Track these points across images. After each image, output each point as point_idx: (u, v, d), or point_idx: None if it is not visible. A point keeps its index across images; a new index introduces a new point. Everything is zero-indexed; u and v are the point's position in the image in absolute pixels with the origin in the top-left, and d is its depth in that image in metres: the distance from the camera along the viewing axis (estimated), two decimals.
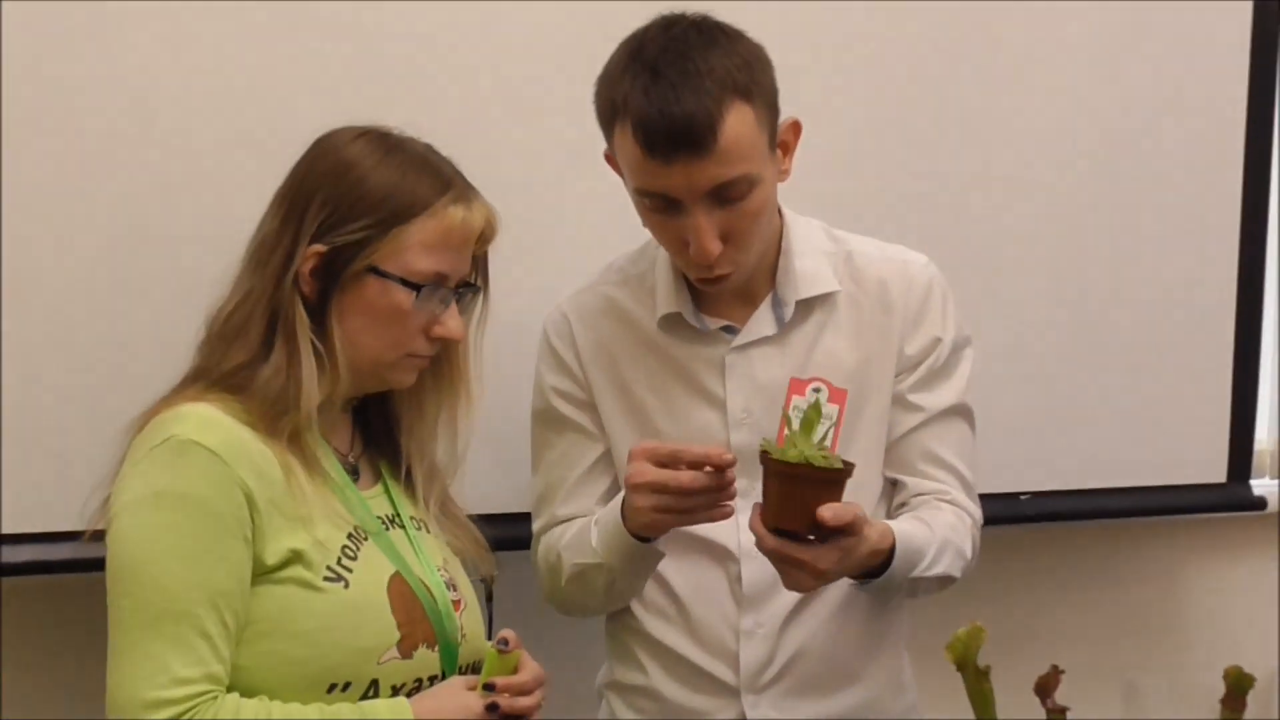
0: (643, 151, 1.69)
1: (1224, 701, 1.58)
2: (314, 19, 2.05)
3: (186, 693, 1.50)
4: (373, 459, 1.77)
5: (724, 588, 1.87)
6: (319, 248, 1.62)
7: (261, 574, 1.57)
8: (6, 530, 1.98)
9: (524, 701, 1.61)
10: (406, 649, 1.61)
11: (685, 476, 1.66)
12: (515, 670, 1.62)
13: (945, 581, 1.83)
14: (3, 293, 1.95)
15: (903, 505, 1.88)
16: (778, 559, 1.65)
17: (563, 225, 2.17)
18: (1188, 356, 2.53)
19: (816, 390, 1.62)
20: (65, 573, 1.98)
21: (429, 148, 1.70)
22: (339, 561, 1.60)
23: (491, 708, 1.59)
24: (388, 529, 1.69)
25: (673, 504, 1.68)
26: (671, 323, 1.88)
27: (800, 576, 1.65)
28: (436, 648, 1.65)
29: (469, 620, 1.71)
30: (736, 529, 1.82)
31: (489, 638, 1.70)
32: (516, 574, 1.93)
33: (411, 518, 1.74)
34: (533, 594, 1.95)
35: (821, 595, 1.86)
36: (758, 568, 1.82)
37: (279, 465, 1.59)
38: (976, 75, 2.37)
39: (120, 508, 1.56)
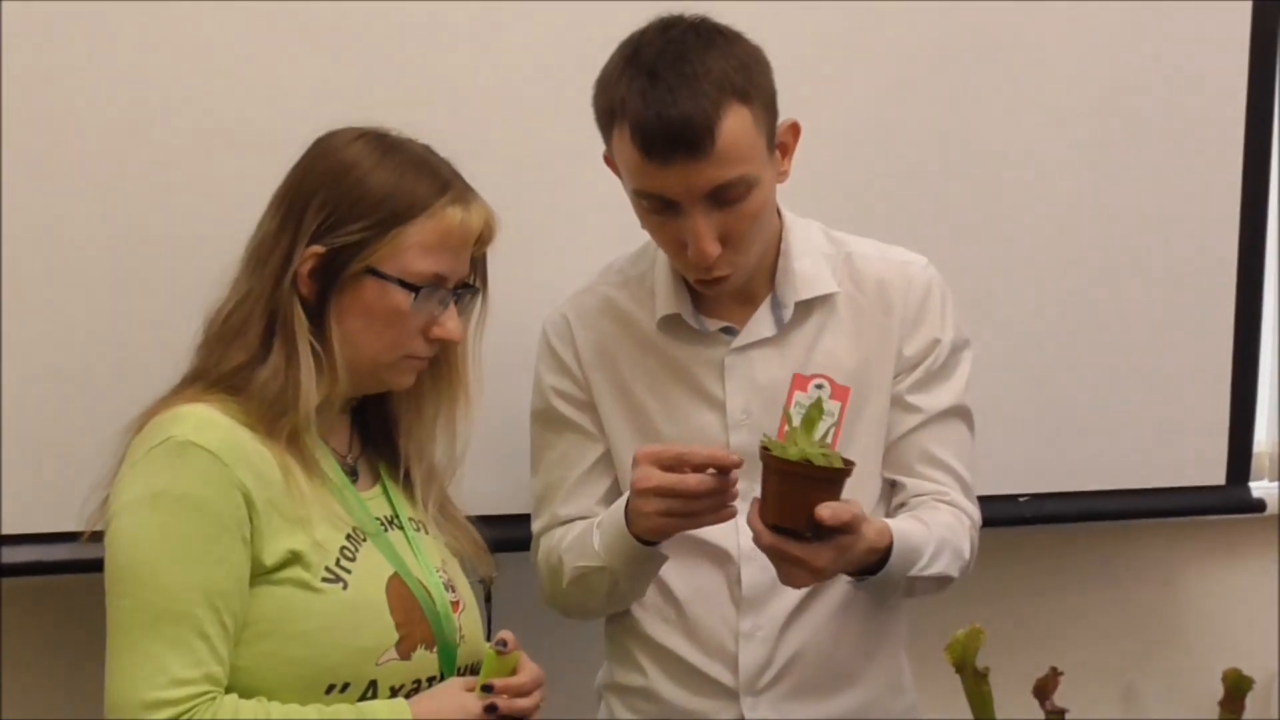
0: (640, 154, 1.69)
1: (1222, 704, 1.57)
2: (314, 20, 2.05)
3: (185, 693, 1.50)
4: (371, 460, 1.77)
5: (723, 590, 1.87)
6: (317, 249, 1.62)
7: (260, 575, 1.57)
8: (6, 531, 1.98)
9: (522, 703, 1.61)
10: (405, 650, 1.61)
11: (692, 480, 1.66)
12: (514, 671, 1.62)
13: (943, 581, 1.83)
14: (2, 294, 1.95)
15: (901, 506, 1.88)
16: (775, 555, 1.65)
17: (562, 226, 2.17)
18: (1187, 359, 2.53)
19: (819, 387, 1.62)
20: (64, 573, 1.98)
21: (428, 149, 1.70)
22: (337, 562, 1.60)
23: (490, 709, 1.59)
24: (386, 530, 1.70)
25: (679, 508, 1.68)
26: (671, 324, 1.88)
27: (797, 573, 1.66)
28: (435, 649, 1.65)
29: (467, 621, 1.71)
30: (736, 531, 1.82)
31: (488, 639, 1.70)
32: (515, 575, 1.93)
33: (410, 519, 1.74)
34: (531, 595, 1.95)
35: (821, 597, 1.87)
36: (757, 570, 1.82)
37: (277, 466, 1.59)
38: (976, 77, 2.37)
39: (119, 508, 1.56)
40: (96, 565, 1.58)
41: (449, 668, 1.66)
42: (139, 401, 1.65)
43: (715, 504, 1.68)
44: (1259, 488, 2.65)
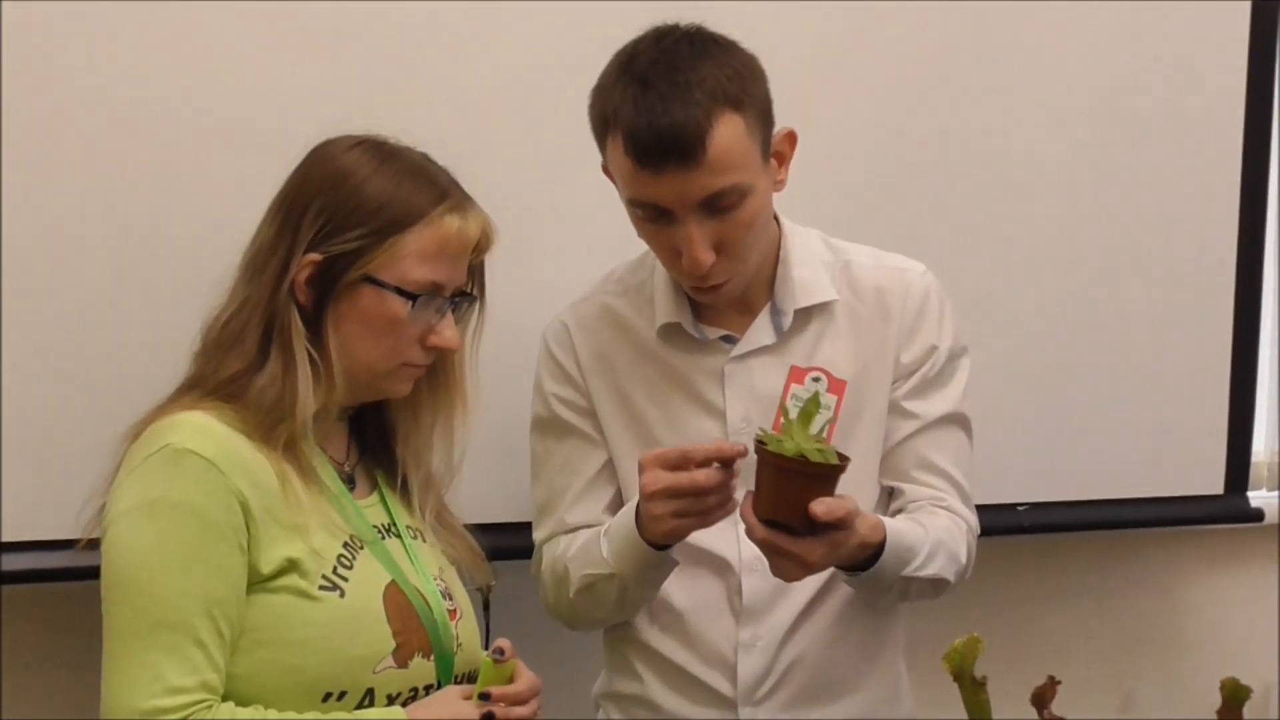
0: (633, 162, 1.69)
1: (1220, 713, 1.57)
2: (313, 26, 2.05)
3: (181, 701, 1.50)
4: (369, 468, 1.77)
5: (723, 600, 1.87)
6: (314, 256, 1.62)
7: (257, 583, 1.56)
8: (5, 538, 1.98)
9: (519, 711, 1.61)
10: (402, 658, 1.61)
11: (700, 476, 1.65)
12: (511, 679, 1.62)
13: (939, 585, 1.83)
14: (2, 297, 1.95)
15: (899, 513, 1.88)
16: (767, 549, 1.64)
17: (560, 235, 2.17)
18: (1185, 368, 2.53)
19: (816, 380, 1.61)
20: (63, 580, 1.97)
21: (425, 157, 1.70)
22: (334, 570, 1.60)
23: (487, 717, 1.59)
24: (384, 538, 1.69)
25: (690, 506, 1.67)
26: (670, 332, 1.88)
27: (789, 567, 1.65)
28: (432, 657, 1.64)
29: (465, 629, 1.71)
30: (738, 541, 1.82)
31: (485, 647, 1.70)
32: (513, 583, 1.93)
33: (408, 527, 1.74)
34: (529, 603, 1.94)
35: (821, 608, 1.87)
36: (758, 581, 1.83)
37: (274, 474, 1.59)
38: (976, 77, 2.37)
39: (115, 516, 1.56)
40: (96, 572, 1.58)
41: (446, 676, 1.66)
42: (138, 408, 1.66)
43: (724, 498, 1.68)
44: (1257, 497, 2.65)
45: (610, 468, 1.91)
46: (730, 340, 1.87)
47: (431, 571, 1.71)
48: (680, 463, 1.66)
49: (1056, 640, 2.65)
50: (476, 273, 1.74)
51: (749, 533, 1.64)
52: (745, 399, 1.85)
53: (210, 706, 1.52)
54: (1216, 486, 2.58)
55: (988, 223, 2.40)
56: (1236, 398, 2.56)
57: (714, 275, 1.76)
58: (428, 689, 1.64)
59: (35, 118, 1.95)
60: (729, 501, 1.68)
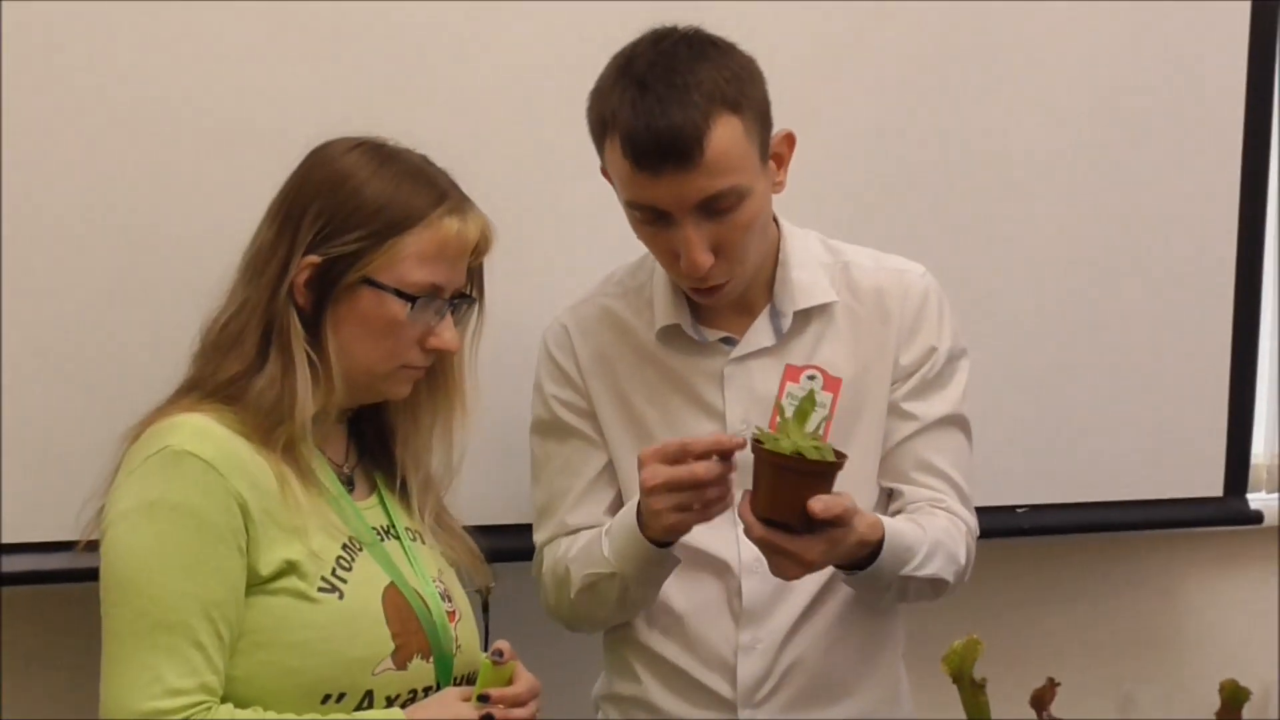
0: (631, 165, 1.69)
1: (1219, 715, 1.57)
2: (313, 26, 2.05)
3: (180, 703, 1.50)
4: (368, 470, 1.77)
5: (723, 602, 1.87)
6: (314, 259, 1.62)
7: (256, 585, 1.56)
8: (6, 540, 1.98)
9: (518, 713, 1.61)
10: (401, 660, 1.61)
11: (700, 468, 1.65)
12: (510, 681, 1.62)
13: (938, 585, 1.82)
14: (2, 301, 1.95)
15: (898, 514, 1.87)
16: (766, 548, 1.64)
17: (560, 237, 2.17)
18: (1185, 371, 2.53)
19: (811, 378, 1.61)
20: (63, 582, 1.97)
21: (425, 159, 1.70)
22: (333, 572, 1.60)
23: (486, 719, 1.59)
24: (383, 540, 1.69)
25: (690, 499, 1.67)
26: (670, 334, 1.88)
27: (788, 565, 1.65)
28: (431, 659, 1.64)
29: (464, 631, 1.71)
30: (737, 544, 1.82)
31: (484, 649, 1.70)
32: (512, 585, 1.93)
33: (407, 529, 1.74)
34: (528, 605, 1.94)
35: (820, 610, 1.87)
36: (757, 583, 1.83)
37: (273, 476, 1.59)
38: (976, 77, 2.37)
39: (114, 518, 1.56)
40: (96, 574, 1.58)
41: (445, 678, 1.66)
42: (138, 409, 1.66)
43: (723, 491, 1.68)
44: (1256, 500, 2.65)
45: (611, 469, 1.91)
46: (730, 342, 1.87)
47: (430, 573, 1.71)
48: (679, 456, 1.66)
49: (1056, 642, 2.65)
50: (476, 275, 1.74)
51: (747, 531, 1.64)
52: (745, 400, 1.85)
53: (209, 708, 1.52)
54: (1216, 489, 2.58)
55: (987, 223, 2.40)
56: (1236, 399, 2.56)
57: (712, 277, 1.76)
58: (427, 691, 1.64)
59: (35, 118, 1.95)
60: (728, 494, 1.68)
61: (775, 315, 1.87)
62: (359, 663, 1.58)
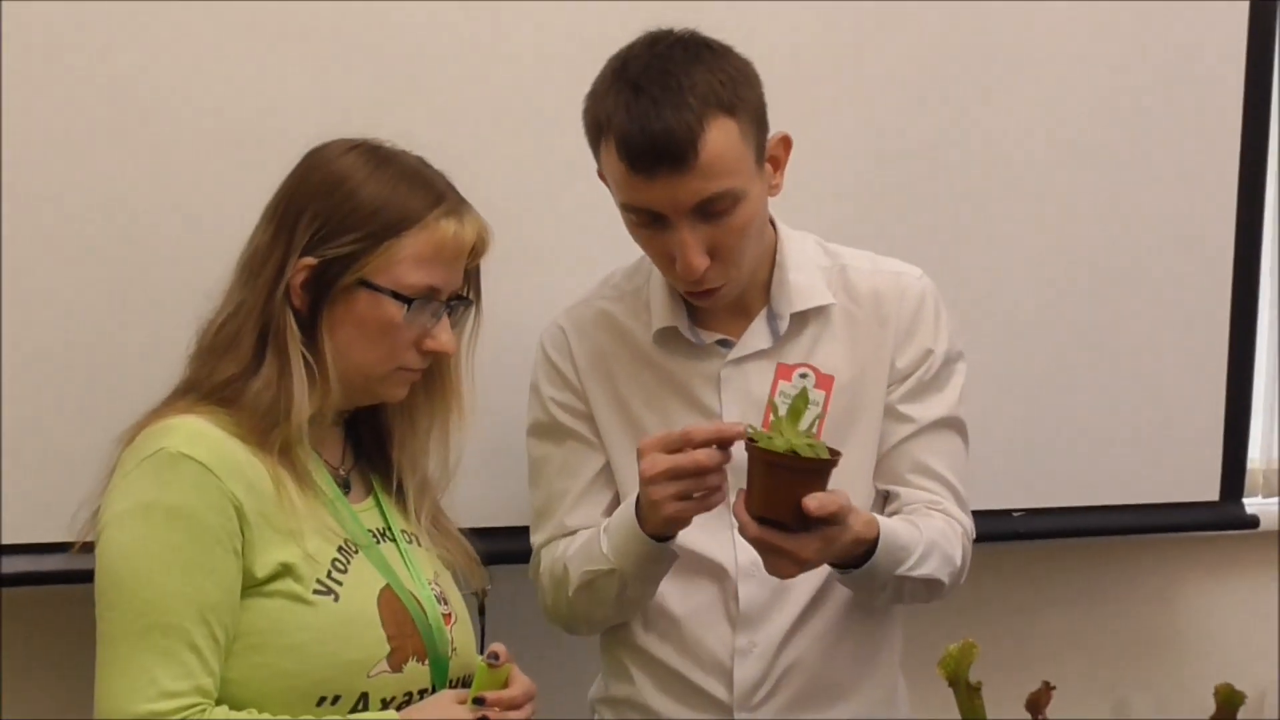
0: (626, 167, 1.69)
1: (1214, 718, 1.57)
2: (312, 28, 2.05)
3: (175, 705, 1.50)
4: (364, 472, 1.77)
5: (719, 606, 1.87)
6: (310, 260, 1.62)
7: (251, 587, 1.56)
8: (5, 541, 1.98)
9: (514, 715, 1.61)
10: (396, 662, 1.61)
11: (701, 455, 1.65)
12: (506, 684, 1.62)
13: (933, 586, 1.82)
14: (2, 302, 1.95)
15: (894, 516, 1.88)
16: (761, 547, 1.64)
17: (557, 239, 2.17)
18: (1181, 375, 2.53)
19: (803, 376, 1.61)
20: (62, 583, 1.97)
21: (421, 161, 1.70)
22: (329, 575, 1.60)
23: None
24: (379, 542, 1.69)
25: (690, 487, 1.67)
26: (667, 337, 1.88)
27: (783, 564, 1.65)
28: (427, 661, 1.64)
29: (460, 634, 1.71)
30: (734, 547, 1.82)
31: (480, 651, 1.70)
32: (508, 588, 1.93)
33: (403, 531, 1.74)
34: (525, 608, 1.94)
35: (817, 614, 1.87)
36: (754, 586, 1.83)
37: (269, 478, 1.58)
38: (975, 82, 2.37)
39: (109, 519, 1.56)
40: (91, 576, 1.57)
41: (441, 680, 1.66)
42: (137, 411, 1.65)
43: (721, 480, 1.67)
44: (1253, 504, 2.65)
45: (608, 471, 1.91)
46: (726, 344, 1.87)
47: (426, 576, 1.71)
48: (680, 445, 1.66)
49: (1051, 646, 2.65)
50: (472, 277, 1.74)
51: (742, 530, 1.64)
52: (741, 403, 1.85)
53: (204, 710, 1.52)
54: (1212, 493, 2.58)
55: (985, 224, 2.40)
56: (1232, 404, 2.56)
57: (708, 280, 1.76)
58: (422, 693, 1.64)
59: (35, 118, 1.95)
60: (725, 485, 1.68)
61: (772, 318, 1.87)
62: (354, 665, 1.58)
